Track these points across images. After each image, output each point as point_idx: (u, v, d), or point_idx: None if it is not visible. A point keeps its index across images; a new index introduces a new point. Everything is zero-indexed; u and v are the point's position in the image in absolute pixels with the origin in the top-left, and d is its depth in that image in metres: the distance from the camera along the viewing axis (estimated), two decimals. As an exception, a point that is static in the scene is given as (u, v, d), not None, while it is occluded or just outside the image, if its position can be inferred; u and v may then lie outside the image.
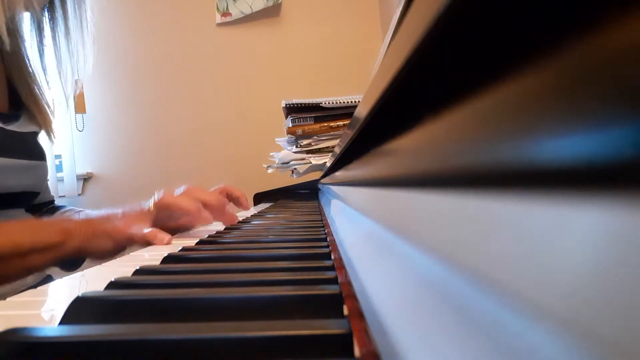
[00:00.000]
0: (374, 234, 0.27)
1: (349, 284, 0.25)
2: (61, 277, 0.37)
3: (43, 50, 0.78)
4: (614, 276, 0.06)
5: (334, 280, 0.28)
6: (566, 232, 0.07)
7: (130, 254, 0.49)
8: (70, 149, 1.85)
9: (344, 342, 0.18)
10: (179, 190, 0.65)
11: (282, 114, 1.29)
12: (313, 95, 1.24)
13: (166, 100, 1.93)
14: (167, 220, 0.65)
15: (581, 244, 0.07)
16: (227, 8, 1.88)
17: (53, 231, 0.58)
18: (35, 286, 0.34)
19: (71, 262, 0.76)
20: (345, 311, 0.22)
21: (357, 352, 0.18)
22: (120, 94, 1.92)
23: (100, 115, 1.91)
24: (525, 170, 0.09)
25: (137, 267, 0.33)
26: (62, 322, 0.22)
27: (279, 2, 1.87)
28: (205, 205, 0.64)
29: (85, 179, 1.91)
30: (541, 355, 0.07)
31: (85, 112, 1.88)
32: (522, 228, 0.09)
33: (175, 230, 0.68)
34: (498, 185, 0.11)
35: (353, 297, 0.23)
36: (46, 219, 0.69)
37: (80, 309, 0.23)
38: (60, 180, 1.82)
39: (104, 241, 0.59)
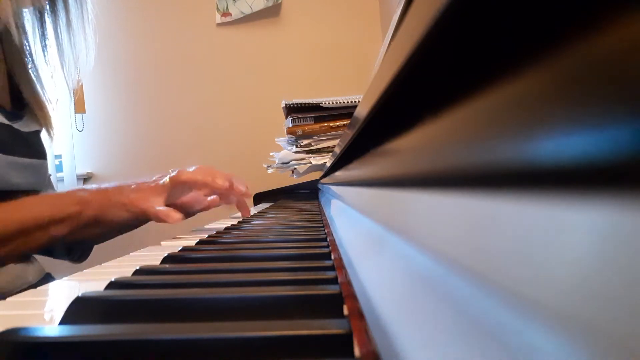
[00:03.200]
0: (374, 234, 0.27)
1: (349, 284, 0.25)
2: (61, 277, 0.37)
3: (45, 43, 0.78)
4: (612, 275, 0.06)
5: (334, 280, 0.28)
6: (566, 232, 0.07)
7: (130, 254, 0.49)
8: (70, 149, 1.85)
9: (343, 342, 0.18)
10: (190, 169, 0.68)
11: (282, 114, 1.29)
12: (313, 95, 1.24)
13: (166, 100, 1.93)
14: (180, 197, 0.68)
15: (580, 244, 0.07)
16: (227, 8, 1.88)
17: (70, 202, 0.61)
18: (35, 285, 0.34)
19: (80, 252, 0.77)
20: (345, 311, 0.22)
21: (357, 352, 0.18)
22: (120, 94, 1.92)
23: (100, 115, 1.91)
24: (525, 170, 0.09)
25: (137, 267, 0.33)
26: (62, 322, 0.22)
27: (279, 2, 1.87)
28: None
29: (85, 178, 1.91)
30: (543, 356, 0.07)
31: (85, 112, 1.88)
32: (523, 227, 0.09)
33: (183, 210, 0.71)
34: (498, 185, 0.11)
35: (353, 297, 0.23)
36: (62, 191, 0.70)
37: (80, 309, 0.23)
38: (60, 180, 1.82)
39: (119, 211, 0.61)
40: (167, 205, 0.64)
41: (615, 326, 0.06)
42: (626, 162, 0.06)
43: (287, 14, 1.90)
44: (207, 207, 0.75)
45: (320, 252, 0.38)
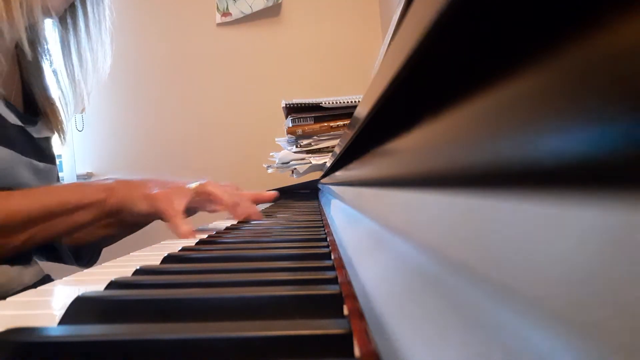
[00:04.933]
0: (374, 234, 0.27)
1: (349, 283, 0.25)
2: (61, 277, 0.37)
3: (64, 50, 0.79)
4: (610, 274, 0.06)
5: (334, 280, 0.28)
6: (565, 231, 0.07)
7: (130, 254, 0.49)
8: (70, 148, 1.85)
9: (344, 342, 0.18)
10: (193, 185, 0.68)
11: (282, 114, 1.29)
12: (313, 95, 1.24)
13: (166, 100, 1.93)
14: (200, 206, 0.69)
15: (580, 243, 0.07)
16: (227, 8, 1.88)
17: (95, 189, 0.62)
18: (35, 286, 0.34)
19: (89, 256, 0.77)
20: (345, 311, 0.22)
21: (357, 352, 0.18)
22: (120, 94, 1.92)
23: (100, 115, 1.91)
24: (525, 169, 0.09)
25: (137, 267, 0.33)
26: (62, 322, 0.22)
27: (279, 2, 1.87)
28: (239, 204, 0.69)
29: (85, 178, 1.91)
30: (543, 356, 0.07)
31: (85, 112, 1.88)
32: (523, 227, 0.09)
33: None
34: (498, 185, 0.11)
35: (353, 297, 0.23)
36: (88, 181, 0.71)
37: (80, 309, 0.23)
38: (61, 180, 1.82)
39: (141, 203, 0.62)
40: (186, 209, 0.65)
41: (613, 325, 0.06)
42: (625, 162, 0.06)
43: (287, 14, 1.90)
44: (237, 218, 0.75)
45: (320, 252, 0.38)
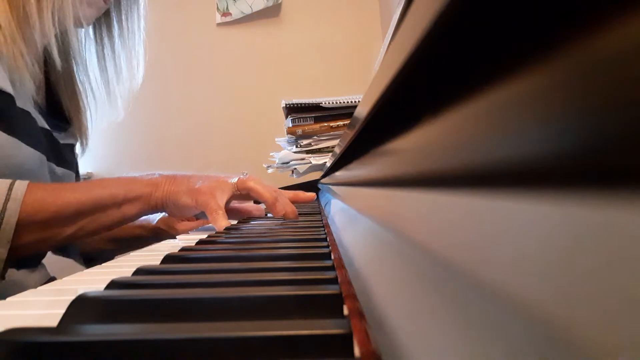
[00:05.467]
0: (374, 234, 0.27)
1: (349, 283, 0.25)
2: (62, 278, 0.37)
3: (102, 61, 0.81)
4: (610, 274, 0.06)
5: (334, 280, 0.28)
6: (563, 231, 0.07)
7: (130, 254, 0.49)
8: (70, 149, 1.85)
9: (344, 342, 0.18)
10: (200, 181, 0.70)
11: (282, 114, 1.29)
12: (313, 95, 1.24)
13: (166, 100, 1.93)
14: (241, 200, 0.72)
15: (579, 243, 0.07)
16: (227, 8, 1.88)
17: (142, 183, 0.64)
18: (34, 287, 0.34)
19: (99, 263, 0.79)
20: (345, 311, 0.22)
21: (357, 352, 0.18)
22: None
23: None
24: (525, 169, 0.09)
25: (137, 267, 0.33)
26: (62, 322, 0.22)
27: (279, 2, 1.87)
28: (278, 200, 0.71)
29: (85, 178, 1.91)
30: (543, 356, 0.07)
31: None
32: (523, 227, 0.09)
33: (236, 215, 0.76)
34: (498, 185, 0.11)
35: (353, 297, 0.23)
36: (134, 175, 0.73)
37: (81, 309, 0.23)
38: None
39: (185, 197, 0.64)
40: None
41: (611, 323, 0.06)
42: (625, 162, 0.06)
43: (287, 14, 1.90)
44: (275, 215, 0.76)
45: (320, 252, 0.38)
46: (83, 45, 0.79)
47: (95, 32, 0.80)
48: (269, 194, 0.69)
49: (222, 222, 0.62)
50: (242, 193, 0.68)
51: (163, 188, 0.64)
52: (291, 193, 0.78)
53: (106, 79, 0.81)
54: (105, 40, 0.80)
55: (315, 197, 0.89)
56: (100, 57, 0.80)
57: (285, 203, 0.71)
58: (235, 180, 0.68)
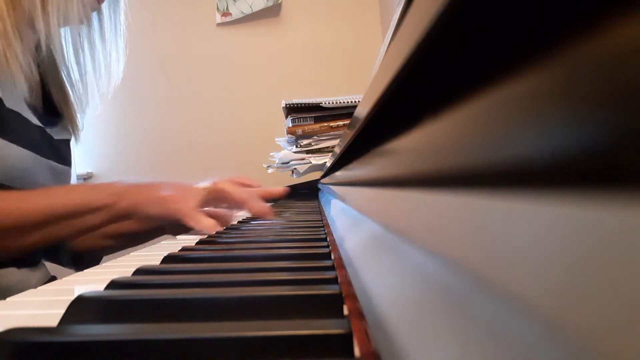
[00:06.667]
0: (374, 234, 0.27)
1: (349, 283, 0.25)
2: (62, 278, 0.37)
3: (80, 54, 0.81)
4: (608, 273, 0.06)
5: (334, 280, 0.28)
6: (563, 230, 0.07)
7: (130, 254, 0.49)
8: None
9: (344, 342, 0.18)
10: (204, 183, 0.69)
11: (282, 114, 1.29)
12: (313, 95, 1.24)
13: (166, 100, 1.93)
14: (214, 205, 0.69)
15: (579, 242, 0.07)
16: (227, 8, 1.88)
17: (105, 193, 0.62)
18: (35, 286, 0.34)
19: (87, 263, 0.78)
20: (345, 311, 0.22)
21: (357, 352, 0.18)
22: (121, 94, 1.91)
23: (100, 115, 1.91)
24: (524, 169, 0.09)
25: (137, 267, 0.33)
26: (62, 322, 0.22)
27: (279, 2, 1.87)
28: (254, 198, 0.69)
29: (85, 178, 1.91)
30: (543, 357, 0.07)
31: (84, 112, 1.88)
32: (523, 226, 0.09)
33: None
34: (498, 185, 0.11)
35: (353, 297, 0.23)
36: (97, 183, 0.72)
37: (81, 309, 0.23)
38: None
39: (152, 206, 0.62)
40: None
41: (610, 323, 0.06)
42: (625, 161, 0.06)
43: (287, 14, 1.90)
44: (257, 214, 0.75)
45: (320, 252, 0.38)
46: (63, 37, 0.78)
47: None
48: (239, 195, 0.67)
49: (204, 221, 0.60)
50: (214, 197, 0.66)
51: (128, 198, 0.62)
52: (262, 190, 0.77)
53: (83, 71, 0.81)
54: (84, 32, 0.79)
55: (289, 190, 0.88)
56: (79, 49, 0.79)
57: (258, 203, 0.70)
58: (204, 184, 0.66)
